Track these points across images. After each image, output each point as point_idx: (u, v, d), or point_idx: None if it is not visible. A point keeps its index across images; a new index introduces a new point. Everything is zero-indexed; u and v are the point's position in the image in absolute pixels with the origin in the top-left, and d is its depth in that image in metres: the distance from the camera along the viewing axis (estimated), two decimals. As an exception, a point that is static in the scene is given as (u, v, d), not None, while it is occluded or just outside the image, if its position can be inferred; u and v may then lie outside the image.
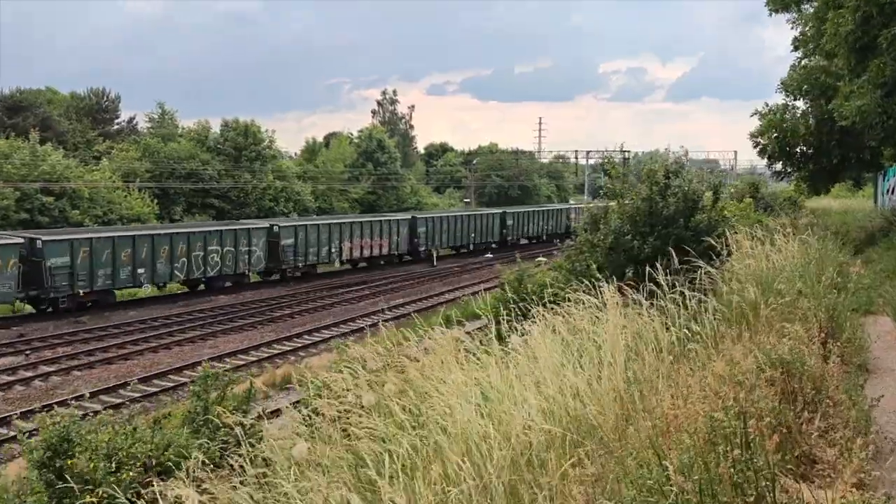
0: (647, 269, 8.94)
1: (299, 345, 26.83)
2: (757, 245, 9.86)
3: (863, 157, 21.17)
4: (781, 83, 21.76)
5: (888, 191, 30.00)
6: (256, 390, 20.30)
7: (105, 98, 60.60)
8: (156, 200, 51.60)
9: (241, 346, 26.50)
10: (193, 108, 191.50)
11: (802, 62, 21.54)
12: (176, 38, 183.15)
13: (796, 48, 21.57)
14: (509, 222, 59.02)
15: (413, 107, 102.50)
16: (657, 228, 10.68)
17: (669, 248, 9.63)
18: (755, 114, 22.02)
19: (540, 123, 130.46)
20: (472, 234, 55.24)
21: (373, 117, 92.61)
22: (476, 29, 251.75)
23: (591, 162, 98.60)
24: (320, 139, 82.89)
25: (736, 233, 10.97)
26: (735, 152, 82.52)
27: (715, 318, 6.92)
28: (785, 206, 31.34)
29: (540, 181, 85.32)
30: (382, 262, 47.02)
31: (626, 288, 7.99)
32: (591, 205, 12.62)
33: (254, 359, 24.66)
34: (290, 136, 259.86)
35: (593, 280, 9.22)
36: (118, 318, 30.46)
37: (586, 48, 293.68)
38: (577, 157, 74.76)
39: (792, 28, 21.77)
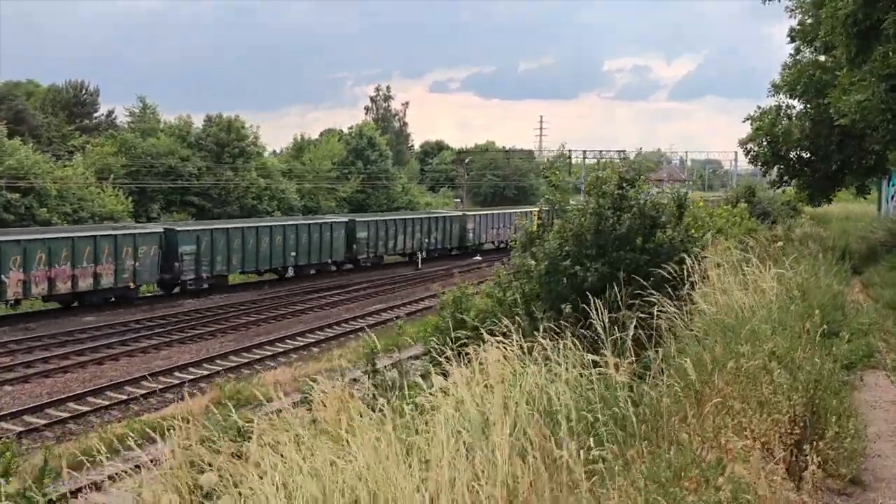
0: (592, 302, 7.12)
1: (258, 356, 25.03)
2: (728, 275, 7.99)
3: (866, 161, 19.16)
4: (772, 85, 19.77)
5: (893, 197, 28.06)
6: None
7: (83, 91, 58.72)
8: (130, 198, 49.74)
9: (196, 357, 24.73)
10: (192, 105, 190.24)
11: (797, 56, 19.43)
12: (175, 34, 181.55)
13: (793, 40, 19.51)
14: (361, 235, 44.60)
15: (407, 103, 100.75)
16: (607, 251, 8.84)
17: (621, 276, 7.83)
18: (748, 119, 20.05)
19: (541, 121, 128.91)
20: (293, 253, 39.78)
21: (366, 114, 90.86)
22: (480, 26, 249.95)
23: (591, 161, 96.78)
24: (315, 136, 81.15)
25: (704, 256, 9.09)
26: (735, 153, 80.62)
27: (660, 388, 5.12)
28: (783, 211, 29.48)
29: (537, 180, 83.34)
30: (113, 299, 32.34)
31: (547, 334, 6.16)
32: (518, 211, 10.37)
33: (206, 372, 22.85)
34: (290, 131, 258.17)
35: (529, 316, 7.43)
36: (72, 325, 28.64)
37: (591, 45, 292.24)
38: (570, 155, 72.90)
39: (790, 17, 19.77)
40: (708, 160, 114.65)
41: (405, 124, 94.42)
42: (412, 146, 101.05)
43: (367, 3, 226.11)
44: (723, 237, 21.64)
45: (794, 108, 19.54)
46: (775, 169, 20.66)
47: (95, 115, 60.76)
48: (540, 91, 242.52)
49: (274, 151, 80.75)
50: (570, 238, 8.92)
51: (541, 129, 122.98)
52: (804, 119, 18.74)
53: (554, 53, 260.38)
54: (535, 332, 7.52)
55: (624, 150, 71.55)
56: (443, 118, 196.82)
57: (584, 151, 66.49)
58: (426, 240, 50.38)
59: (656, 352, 6.27)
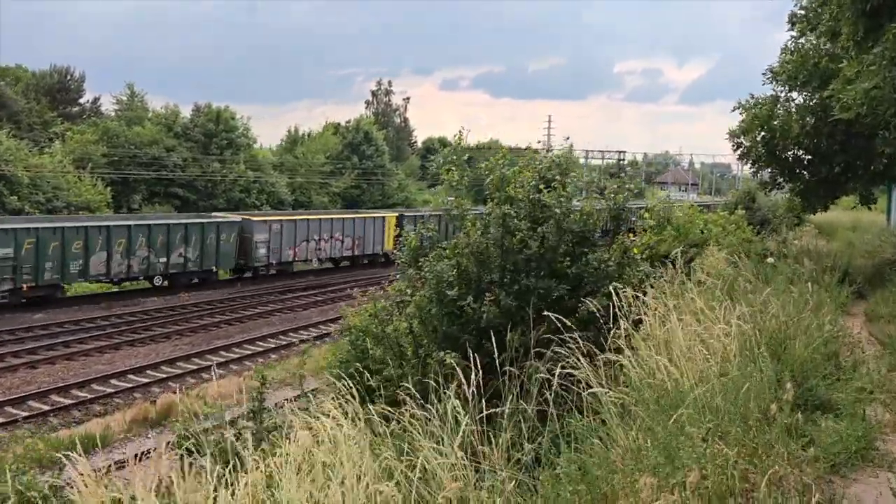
0: (490, 347, 5.17)
1: (209, 363, 23.07)
2: (675, 314, 5.89)
3: (874, 166, 16.85)
4: (770, 70, 17.36)
5: (904, 206, 25.81)
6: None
7: (68, 77, 56.97)
8: (109, 188, 48.08)
9: (143, 361, 22.82)
10: (196, 98, 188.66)
11: (798, 42, 17.03)
12: (179, 31, 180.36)
13: (793, 24, 17.14)
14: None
15: (408, 98, 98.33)
16: (518, 276, 6.78)
17: (530, 312, 5.84)
18: (738, 108, 17.68)
19: (549, 121, 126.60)
20: None
21: (366, 108, 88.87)
22: (491, 25, 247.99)
23: (604, 162, 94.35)
24: (319, 130, 79.16)
25: (650, 285, 6.99)
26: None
27: None
28: (786, 219, 27.26)
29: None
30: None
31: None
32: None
33: (146, 380, 20.94)
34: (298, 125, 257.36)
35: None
36: (19, 322, 26.79)
37: (602, 47, 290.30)
38: (569, 154, 70.74)
39: (795, 5, 17.43)
40: (715, 164, 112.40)
41: (406, 120, 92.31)
42: (415, 142, 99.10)
43: (377, 1, 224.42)
44: (716, 248, 19.54)
45: (794, 100, 17.17)
46: (768, 170, 18.32)
47: (81, 101, 59.00)
48: (550, 91, 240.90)
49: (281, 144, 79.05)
50: (471, 257, 6.88)
51: (549, 128, 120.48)
52: (805, 113, 16.41)
53: (564, 54, 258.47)
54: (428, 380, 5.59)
55: (624, 152, 69.15)
56: (451, 116, 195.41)
57: (587, 151, 64.13)
58: (163, 259, 32.45)
59: (554, 436, 4.29)
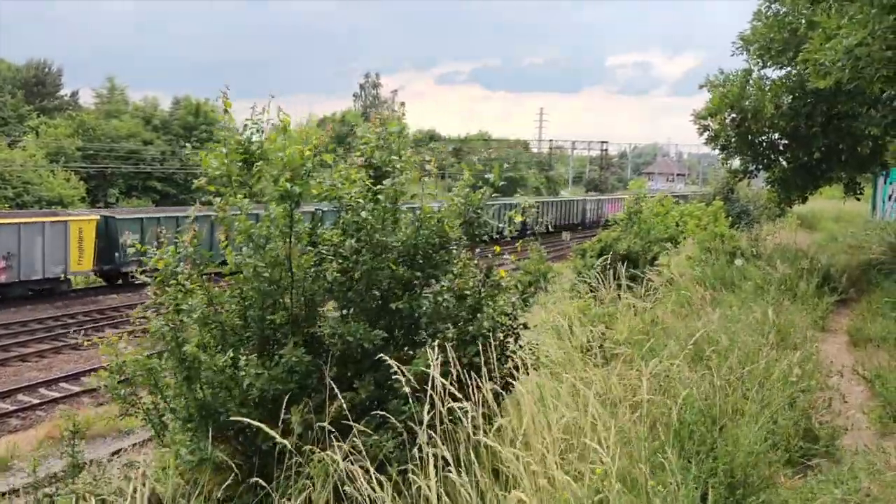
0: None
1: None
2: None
3: (859, 150, 15.00)
4: (741, 38, 15.21)
5: (889, 197, 23.99)
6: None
7: (45, 71, 55.47)
8: (86, 182, 46.67)
9: (82, 367, 21.35)
10: (200, 93, 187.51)
11: (772, 7, 14.55)
12: (187, 23, 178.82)
13: None
14: None
15: (396, 91, 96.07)
16: (312, 316, 4.89)
17: (327, 372, 4.13)
18: (705, 85, 15.50)
19: (541, 114, 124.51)
20: None
21: (354, 101, 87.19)
22: (487, 20, 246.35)
23: (594, 154, 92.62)
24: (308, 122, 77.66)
25: (523, 326, 4.98)
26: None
27: None
28: (767, 209, 25.61)
29: (528, 172, 79.63)
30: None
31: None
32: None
33: (77, 389, 19.40)
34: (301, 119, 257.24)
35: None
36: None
37: (594, 41, 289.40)
38: (551, 147, 69.20)
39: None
40: (703, 154, 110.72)
41: (393, 112, 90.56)
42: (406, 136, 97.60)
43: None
44: (689, 242, 17.86)
45: (769, 78, 15.19)
46: (738, 157, 16.46)
47: (59, 94, 57.50)
48: (545, 85, 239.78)
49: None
50: (249, 285, 4.84)
51: (540, 120, 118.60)
52: (780, 91, 14.44)
53: (558, 48, 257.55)
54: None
55: (606, 142, 67.08)
56: (448, 110, 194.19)
57: (573, 142, 62.47)
58: None
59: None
